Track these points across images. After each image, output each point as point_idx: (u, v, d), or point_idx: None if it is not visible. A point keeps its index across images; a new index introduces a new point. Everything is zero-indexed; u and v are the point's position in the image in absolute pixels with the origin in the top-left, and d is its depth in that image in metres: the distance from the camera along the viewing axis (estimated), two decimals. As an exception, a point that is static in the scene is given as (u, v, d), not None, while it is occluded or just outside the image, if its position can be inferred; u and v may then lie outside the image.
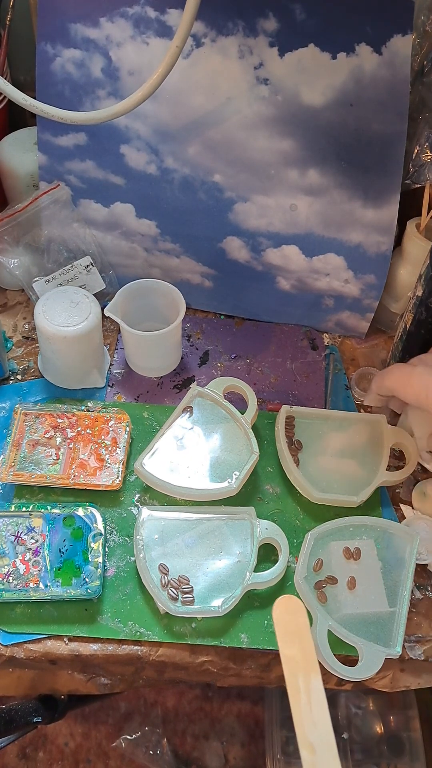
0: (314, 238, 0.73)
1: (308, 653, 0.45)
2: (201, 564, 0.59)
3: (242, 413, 0.66)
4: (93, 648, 0.57)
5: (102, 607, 0.59)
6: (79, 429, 0.67)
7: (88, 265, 0.75)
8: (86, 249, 0.76)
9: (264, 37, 0.64)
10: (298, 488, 0.65)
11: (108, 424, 0.67)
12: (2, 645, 0.57)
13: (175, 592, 0.57)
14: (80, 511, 0.61)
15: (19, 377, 0.73)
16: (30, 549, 0.59)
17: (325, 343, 0.78)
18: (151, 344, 0.71)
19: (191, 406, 0.67)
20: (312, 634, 0.55)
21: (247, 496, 0.65)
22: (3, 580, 0.58)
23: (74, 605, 0.59)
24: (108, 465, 0.65)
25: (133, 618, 0.58)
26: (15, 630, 0.57)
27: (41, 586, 0.58)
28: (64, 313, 0.66)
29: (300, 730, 0.42)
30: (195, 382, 0.73)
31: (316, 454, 0.67)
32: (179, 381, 0.74)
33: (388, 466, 0.66)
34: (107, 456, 0.65)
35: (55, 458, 0.65)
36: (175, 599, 0.57)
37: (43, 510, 0.61)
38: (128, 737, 1.13)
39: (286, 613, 0.47)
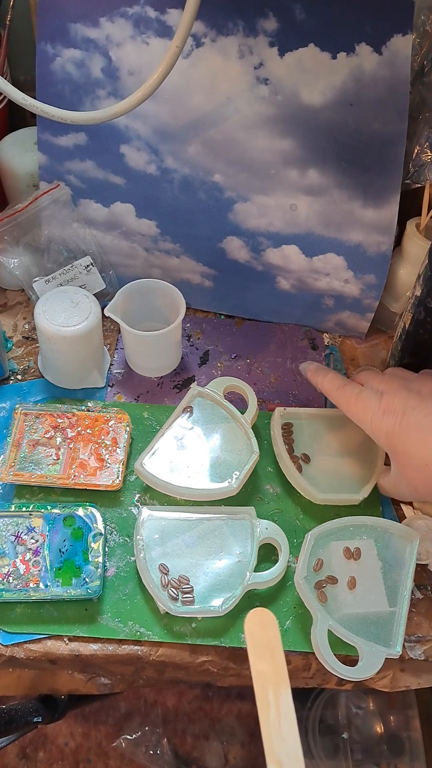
0: (314, 238, 0.73)
1: (279, 667, 0.45)
2: (201, 564, 0.59)
3: (242, 413, 0.66)
4: (93, 648, 0.57)
5: (102, 607, 0.59)
6: (79, 429, 0.67)
7: (88, 265, 0.75)
8: (86, 249, 0.76)
9: (264, 36, 0.64)
10: (300, 491, 0.65)
11: (108, 424, 0.67)
12: (2, 645, 0.57)
13: (175, 592, 0.57)
14: (80, 511, 0.61)
15: (19, 377, 0.73)
16: (30, 549, 0.59)
17: (325, 343, 0.78)
18: (151, 344, 0.71)
19: (191, 406, 0.67)
20: (312, 634, 0.56)
21: (247, 496, 0.65)
22: (3, 580, 0.58)
23: (74, 605, 0.59)
24: (108, 465, 0.65)
25: (133, 618, 0.58)
26: (15, 630, 0.57)
27: (41, 586, 0.58)
28: (64, 313, 0.66)
29: (268, 745, 0.42)
30: (195, 382, 0.73)
31: (315, 454, 0.67)
32: (179, 381, 0.74)
33: (385, 461, 0.66)
34: (107, 456, 0.65)
35: (55, 458, 0.65)
36: (175, 599, 0.57)
37: (43, 510, 0.61)
38: (128, 737, 1.13)
39: (257, 626, 0.47)
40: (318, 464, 0.66)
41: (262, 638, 0.46)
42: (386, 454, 0.64)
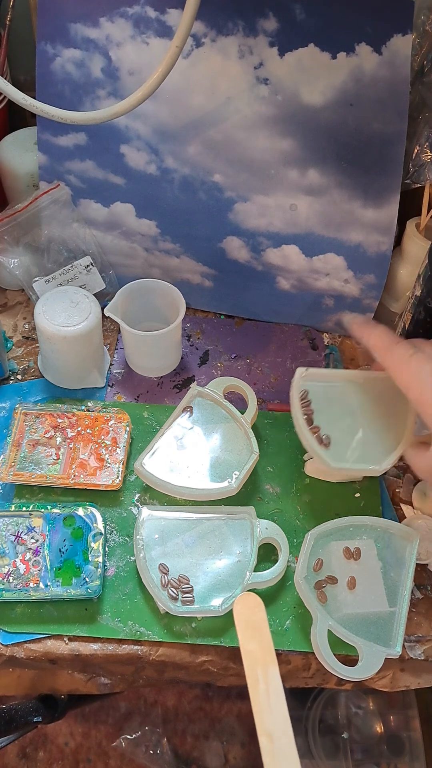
0: (314, 238, 0.73)
1: (266, 646, 0.47)
2: (201, 564, 0.59)
3: (242, 413, 0.66)
4: (93, 648, 0.57)
5: (102, 606, 0.59)
6: (79, 429, 0.67)
7: (88, 265, 0.75)
8: (86, 249, 0.76)
9: (264, 36, 0.64)
10: (313, 456, 0.60)
11: (108, 424, 0.67)
12: (2, 645, 0.57)
13: (175, 591, 0.57)
14: (80, 511, 0.61)
15: (19, 377, 0.73)
16: (30, 549, 0.59)
17: (325, 343, 0.78)
18: (151, 344, 0.71)
19: (191, 406, 0.67)
20: (312, 634, 0.56)
21: (247, 495, 0.65)
22: (3, 579, 0.58)
23: (74, 605, 0.59)
24: (108, 465, 0.65)
25: (133, 618, 0.58)
26: (15, 630, 0.57)
27: (41, 585, 0.58)
28: (64, 313, 0.66)
29: (258, 719, 0.44)
30: (195, 382, 0.73)
31: (333, 420, 0.61)
32: (179, 381, 0.74)
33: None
34: (107, 456, 0.65)
35: (55, 458, 0.65)
36: (175, 599, 0.57)
37: (43, 510, 0.61)
38: (128, 737, 1.13)
39: (245, 608, 0.49)
40: (336, 430, 0.61)
41: (250, 619, 0.48)
42: (414, 422, 0.60)
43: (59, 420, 0.67)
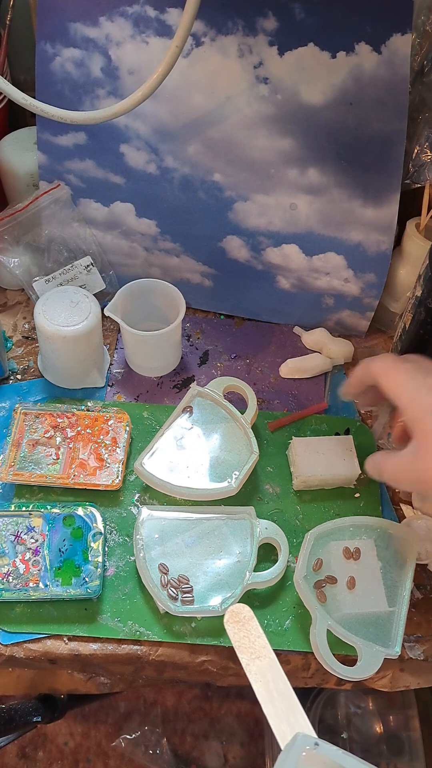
0: (314, 237, 0.73)
1: (266, 654, 0.47)
2: (201, 564, 0.59)
3: (242, 413, 0.66)
4: (93, 647, 0.57)
5: (102, 606, 0.59)
6: (78, 429, 0.67)
7: (88, 265, 0.75)
8: (86, 248, 0.76)
9: (263, 36, 0.64)
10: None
11: (108, 424, 0.67)
12: (2, 645, 0.57)
13: (175, 591, 0.57)
14: (80, 511, 0.61)
15: (19, 377, 0.73)
16: (30, 548, 0.59)
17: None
18: (151, 344, 0.71)
19: (191, 406, 0.67)
20: (311, 634, 0.56)
21: (246, 495, 0.65)
22: (3, 579, 0.58)
23: (74, 605, 0.59)
24: (108, 465, 0.65)
25: (132, 617, 0.58)
26: (15, 629, 0.57)
27: (41, 585, 0.58)
28: (63, 313, 0.66)
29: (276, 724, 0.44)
30: (195, 382, 0.73)
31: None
32: (179, 381, 0.74)
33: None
34: (107, 456, 0.65)
35: (55, 458, 0.65)
36: (174, 599, 0.57)
37: (42, 510, 0.61)
38: (128, 737, 1.13)
39: (236, 625, 0.48)
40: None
41: (243, 636, 0.47)
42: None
43: (59, 420, 0.67)
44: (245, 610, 0.49)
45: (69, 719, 1.16)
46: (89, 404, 0.70)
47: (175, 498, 0.64)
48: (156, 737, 1.13)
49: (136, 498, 0.65)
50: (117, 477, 0.64)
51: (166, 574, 0.58)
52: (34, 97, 0.62)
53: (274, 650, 0.47)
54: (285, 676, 0.45)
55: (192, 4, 0.56)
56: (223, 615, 0.56)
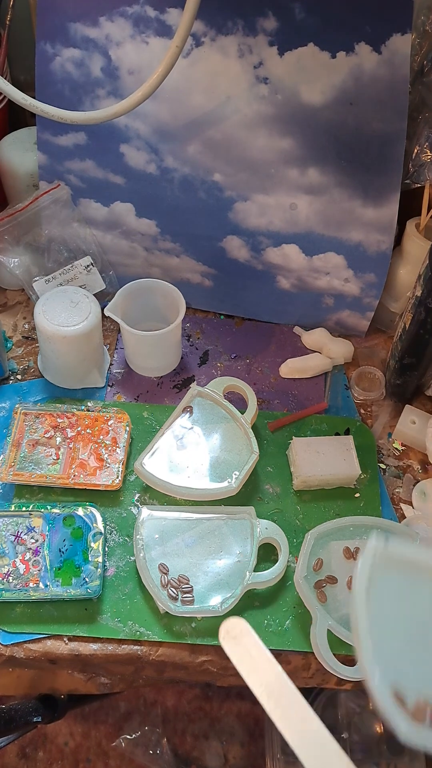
0: (314, 237, 0.72)
1: (274, 674, 0.43)
2: (201, 564, 0.59)
3: (242, 413, 0.66)
4: (93, 648, 0.57)
5: (102, 606, 0.59)
6: (79, 429, 0.67)
7: (88, 265, 0.75)
8: (86, 248, 0.76)
9: (263, 36, 0.64)
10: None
11: (108, 424, 0.67)
12: (2, 645, 0.57)
13: (175, 591, 0.57)
14: (80, 511, 0.61)
15: (19, 377, 0.73)
16: (30, 549, 0.59)
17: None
18: (151, 344, 0.71)
19: (191, 406, 0.67)
20: (311, 634, 0.56)
21: (247, 495, 0.65)
22: (3, 579, 0.57)
23: (74, 605, 0.59)
24: (108, 465, 0.65)
25: (133, 618, 0.58)
26: (15, 630, 0.57)
27: (41, 585, 0.58)
28: (64, 313, 0.66)
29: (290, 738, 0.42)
30: (195, 382, 0.73)
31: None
32: (179, 381, 0.74)
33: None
34: (107, 456, 0.65)
35: (55, 458, 0.65)
36: (174, 599, 0.57)
37: (43, 510, 0.61)
38: (128, 737, 1.12)
39: (231, 642, 0.45)
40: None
41: (241, 651, 0.45)
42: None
43: (59, 420, 0.67)
44: (241, 624, 0.45)
45: (69, 719, 1.15)
46: (89, 404, 0.70)
47: (175, 498, 0.64)
48: (156, 737, 1.13)
49: (136, 498, 0.65)
50: (117, 477, 0.64)
51: (166, 574, 0.58)
52: (34, 97, 0.62)
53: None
54: (297, 690, 0.43)
55: (192, 4, 0.56)
56: (223, 615, 0.57)
